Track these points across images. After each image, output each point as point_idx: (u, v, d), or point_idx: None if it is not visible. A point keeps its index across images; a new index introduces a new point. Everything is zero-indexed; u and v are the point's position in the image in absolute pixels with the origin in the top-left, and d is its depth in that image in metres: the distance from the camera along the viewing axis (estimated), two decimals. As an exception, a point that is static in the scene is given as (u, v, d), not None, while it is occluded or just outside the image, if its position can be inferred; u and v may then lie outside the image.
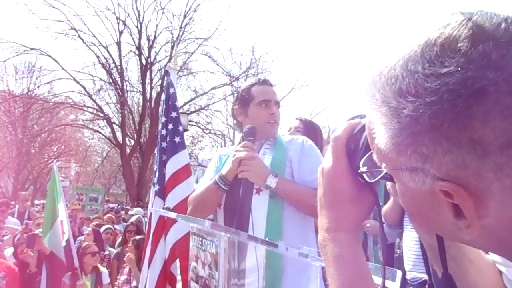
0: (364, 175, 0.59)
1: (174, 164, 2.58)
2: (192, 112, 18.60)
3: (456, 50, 0.41)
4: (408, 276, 2.37)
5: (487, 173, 0.41)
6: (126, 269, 4.25)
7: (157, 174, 2.67)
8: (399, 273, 0.85)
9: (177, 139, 2.64)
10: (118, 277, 4.25)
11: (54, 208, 4.17)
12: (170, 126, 2.67)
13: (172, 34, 18.07)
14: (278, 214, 1.83)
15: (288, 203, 1.85)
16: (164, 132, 2.70)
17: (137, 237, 4.49)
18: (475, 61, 0.39)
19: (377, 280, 0.87)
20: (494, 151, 0.40)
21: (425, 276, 2.24)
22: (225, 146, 17.76)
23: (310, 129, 2.80)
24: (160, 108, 2.95)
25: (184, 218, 1.85)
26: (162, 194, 2.58)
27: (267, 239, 1.33)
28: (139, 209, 9.69)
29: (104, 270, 4.22)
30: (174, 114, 2.70)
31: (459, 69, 0.39)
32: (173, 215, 1.88)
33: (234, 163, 1.84)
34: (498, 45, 0.40)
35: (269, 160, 1.92)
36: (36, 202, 15.34)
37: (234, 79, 18.27)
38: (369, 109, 0.49)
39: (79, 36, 16.95)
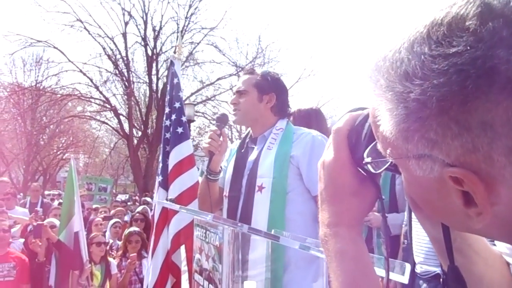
0: (369, 166, 0.57)
1: (176, 155, 2.57)
2: (198, 103, 18.60)
3: (464, 29, 0.39)
4: (418, 270, 2.27)
5: (499, 157, 0.39)
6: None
7: (160, 165, 2.67)
8: (408, 266, 0.83)
9: (180, 129, 2.62)
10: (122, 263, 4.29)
11: (72, 205, 4.19)
12: (173, 117, 2.65)
13: (177, 24, 18.04)
14: (280, 213, 1.81)
15: (292, 202, 1.82)
16: (168, 123, 2.68)
17: (131, 229, 4.54)
18: (485, 39, 0.37)
19: (382, 272, 0.86)
20: (507, 133, 0.38)
21: (437, 269, 2.16)
22: (231, 136, 17.77)
23: (303, 121, 2.72)
24: (166, 99, 2.94)
25: (187, 210, 1.83)
26: (165, 184, 2.57)
27: (272, 231, 1.31)
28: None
29: (112, 260, 4.26)
30: (177, 105, 2.67)
31: (468, 48, 0.38)
32: (176, 207, 1.87)
33: (205, 153, 2.01)
34: (508, 22, 0.38)
35: (273, 156, 1.88)
36: (46, 192, 15.51)
37: (240, 69, 18.16)
38: (373, 95, 0.48)
39: (85, 28, 17.02)
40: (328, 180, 0.63)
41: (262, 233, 1.28)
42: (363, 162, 0.57)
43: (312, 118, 2.61)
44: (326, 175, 0.63)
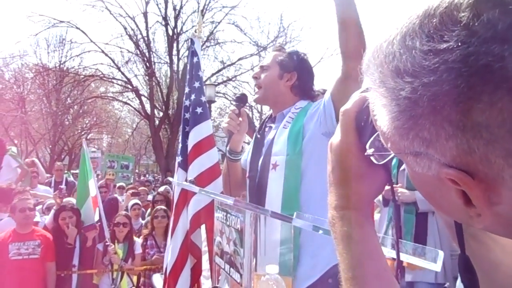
0: (371, 157, 0.56)
1: (195, 135, 2.52)
2: (219, 84, 18.52)
3: (457, 22, 0.35)
4: None
5: (497, 159, 0.37)
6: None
7: (180, 145, 2.64)
8: (441, 253, 0.80)
9: (199, 109, 2.56)
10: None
11: (86, 186, 4.31)
12: (192, 97, 2.60)
13: (198, 3, 17.82)
14: (295, 191, 1.77)
15: (308, 179, 1.77)
16: (187, 103, 2.63)
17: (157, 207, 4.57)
18: (478, 33, 0.34)
19: (402, 256, 0.83)
20: (503, 135, 0.35)
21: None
22: (252, 117, 17.72)
23: None
24: (186, 79, 2.92)
25: (206, 193, 1.80)
26: (185, 165, 2.54)
27: (295, 215, 1.25)
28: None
29: (137, 240, 4.32)
30: (196, 84, 2.61)
31: (460, 44, 0.35)
32: (195, 189, 1.84)
33: (225, 133, 2.01)
34: (506, 13, 0.34)
35: (287, 134, 1.84)
36: (73, 172, 15.95)
37: (261, 49, 17.93)
38: (370, 88, 0.45)
39: (106, 8, 17.04)
40: (335, 163, 0.62)
41: (284, 216, 1.23)
42: (365, 154, 0.56)
43: None
44: (334, 157, 0.62)
